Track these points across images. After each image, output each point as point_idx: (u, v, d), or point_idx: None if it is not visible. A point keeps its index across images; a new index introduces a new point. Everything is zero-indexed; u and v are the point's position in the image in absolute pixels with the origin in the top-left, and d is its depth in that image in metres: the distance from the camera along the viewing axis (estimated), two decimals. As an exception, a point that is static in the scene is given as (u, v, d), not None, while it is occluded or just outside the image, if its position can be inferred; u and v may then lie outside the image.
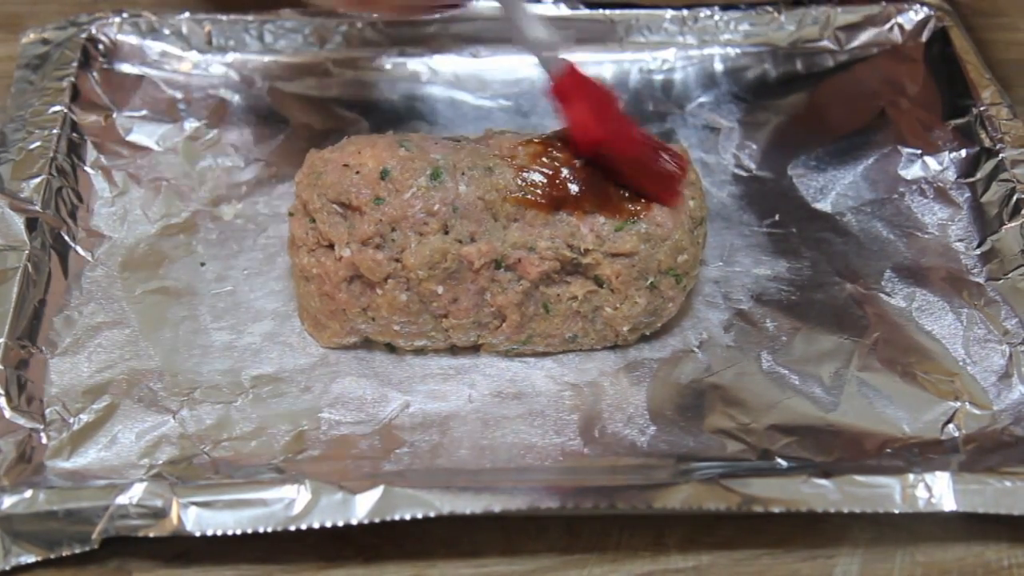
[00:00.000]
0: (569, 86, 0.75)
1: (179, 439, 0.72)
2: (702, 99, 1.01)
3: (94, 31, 0.99)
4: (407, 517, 0.64)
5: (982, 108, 0.92)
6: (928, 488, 0.66)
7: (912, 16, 1.03)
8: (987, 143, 0.89)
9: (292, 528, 0.64)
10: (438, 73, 1.02)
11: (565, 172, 0.75)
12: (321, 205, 0.75)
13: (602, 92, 0.76)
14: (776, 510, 0.65)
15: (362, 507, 0.64)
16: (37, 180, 0.83)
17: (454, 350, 0.79)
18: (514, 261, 0.74)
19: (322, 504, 0.65)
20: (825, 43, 1.04)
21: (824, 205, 0.90)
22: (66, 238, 0.83)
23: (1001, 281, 0.82)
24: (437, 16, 1.00)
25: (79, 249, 0.83)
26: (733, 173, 0.94)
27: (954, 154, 0.92)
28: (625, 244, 0.74)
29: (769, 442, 0.73)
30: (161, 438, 0.72)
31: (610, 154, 0.74)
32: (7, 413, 0.70)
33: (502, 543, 0.68)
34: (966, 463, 0.69)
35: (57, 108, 0.90)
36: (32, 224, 0.80)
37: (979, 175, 0.89)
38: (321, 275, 0.76)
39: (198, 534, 0.64)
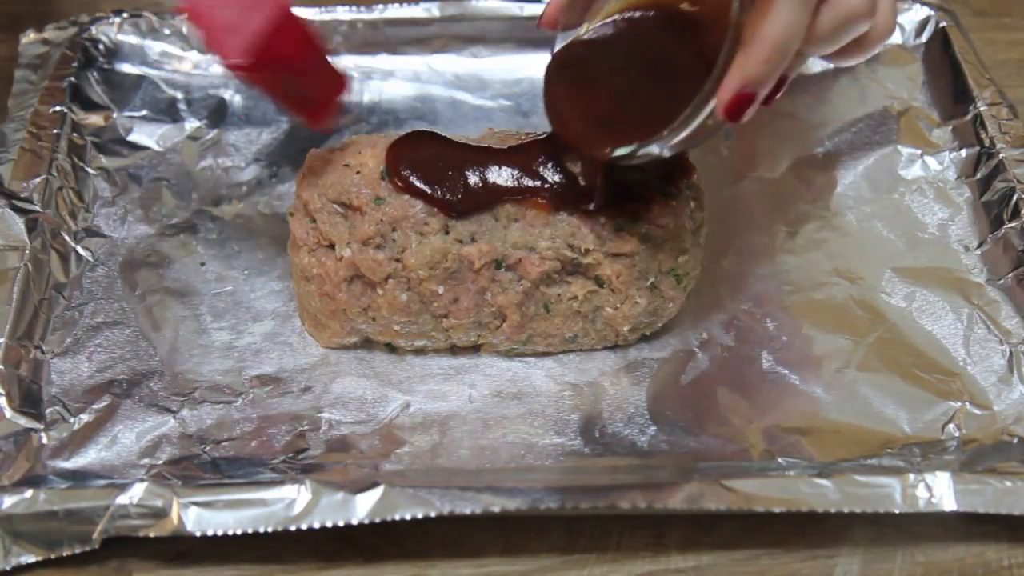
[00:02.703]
0: (205, 3, 0.67)
1: (179, 439, 0.72)
2: (702, 99, 1.00)
3: (94, 31, 0.99)
4: (407, 517, 0.64)
5: (982, 108, 0.91)
6: (928, 488, 0.66)
7: (912, 16, 1.03)
8: (987, 143, 0.89)
9: (292, 528, 0.64)
10: (438, 73, 1.02)
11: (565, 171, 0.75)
12: (321, 205, 0.75)
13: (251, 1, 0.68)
14: (776, 510, 0.65)
15: (362, 507, 0.64)
16: (37, 180, 0.83)
17: (454, 350, 0.79)
18: (515, 261, 0.74)
19: (322, 504, 0.65)
20: (825, 43, 1.03)
21: (824, 204, 0.90)
22: (66, 238, 0.83)
23: (1001, 281, 0.82)
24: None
25: (79, 249, 0.83)
26: (733, 173, 0.94)
27: (954, 154, 0.92)
28: (626, 244, 0.74)
29: (769, 442, 0.73)
30: (161, 438, 0.72)
31: (254, 75, 0.69)
32: (7, 413, 0.70)
33: (502, 543, 0.68)
34: (966, 463, 0.69)
35: (57, 108, 0.90)
36: (32, 224, 0.80)
37: (979, 175, 0.89)
38: (321, 275, 0.76)
39: (198, 534, 0.64)
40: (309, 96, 0.72)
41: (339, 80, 0.74)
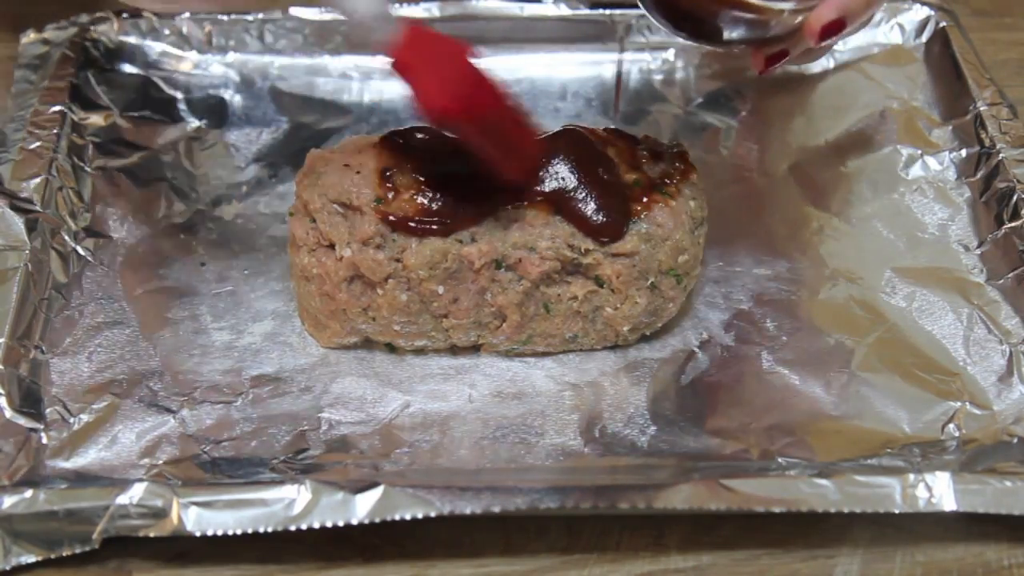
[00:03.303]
0: (410, 55, 0.68)
1: (179, 439, 0.72)
2: (702, 99, 1.01)
3: (94, 31, 0.99)
4: (407, 517, 0.64)
5: (982, 108, 0.91)
6: (928, 488, 0.66)
7: (912, 16, 1.03)
8: (987, 143, 0.89)
9: (292, 528, 0.64)
10: (438, 73, 1.02)
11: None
12: (321, 205, 0.75)
13: (451, 52, 0.69)
14: (776, 510, 0.65)
15: (362, 507, 0.64)
16: (37, 180, 0.83)
17: (454, 350, 0.79)
18: (515, 261, 0.74)
19: (322, 504, 0.65)
20: (825, 43, 1.03)
21: (824, 205, 0.90)
22: (66, 238, 0.83)
23: (1001, 281, 0.82)
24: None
25: (79, 249, 0.83)
26: (733, 173, 0.94)
27: (954, 154, 0.92)
28: (625, 244, 0.74)
29: (769, 442, 0.73)
30: (161, 438, 0.72)
31: (463, 123, 0.69)
32: (7, 413, 0.70)
33: (502, 543, 0.68)
34: (966, 463, 0.69)
35: (57, 108, 0.90)
36: (32, 224, 0.80)
37: (979, 175, 0.89)
38: (321, 275, 0.76)
39: (198, 534, 0.64)
40: (508, 146, 0.72)
41: (532, 134, 0.74)
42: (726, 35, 0.76)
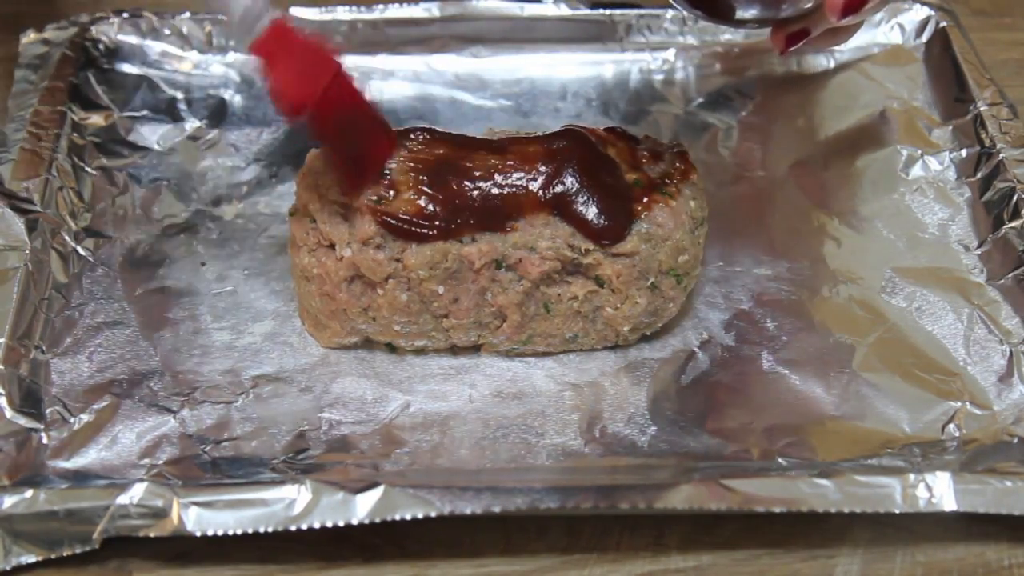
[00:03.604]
0: (273, 44, 0.69)
1: (179, 439, 0.72)
2: (702, 99, 1.01)
3: (94, 31, 1.00)
4: (407, 517, 0.64)
5: (982, 108, 0.91)
6: (928, 488, 0.66)
7: (912, 16, 1.03)
8: (987, 143, 0.89)
9: (292, 528, 0.64)
10: (438, 73, 1.02)
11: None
12: (321, 205, 0.75)
13: (314, 54, 0.71)
14: (776, 510, 0.65)
15: (362, 507, 0.64)
16: (37, 180, 0.83)
17: (454, 350, 0.79)
18: (515, 261, 0.74)
19: (322, 504, 0.65)
20: (825, 43, 1.03)
21: (824, 205, 0.90)
22: (66, 238, 0.83)
23: (1001, 281, 0.82)
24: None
25: (79, 249, 0.83)
26: (733, 173, 0.94)
27: (954, 154, 0.92)
28: (626, 244, 0.74)
29: (769, 442, 0.73)
30: (161, 438, 0.72)
31: (315, 120, 0.71)
32: (7, 413, 0.70)
33: (502, 543, 0.68)
34: (966, 463, 0.69)
35: (57, 108, 0.90)
36: (32, 224, 0.80)
37: (979, 175, 0.89)
38: (322, 275, 0.76)
39: (198, 534, 0.64)
40: (360, 151, 0.73)
41: (388, 139, 0.75)
42: (743, 13, 0.76)
